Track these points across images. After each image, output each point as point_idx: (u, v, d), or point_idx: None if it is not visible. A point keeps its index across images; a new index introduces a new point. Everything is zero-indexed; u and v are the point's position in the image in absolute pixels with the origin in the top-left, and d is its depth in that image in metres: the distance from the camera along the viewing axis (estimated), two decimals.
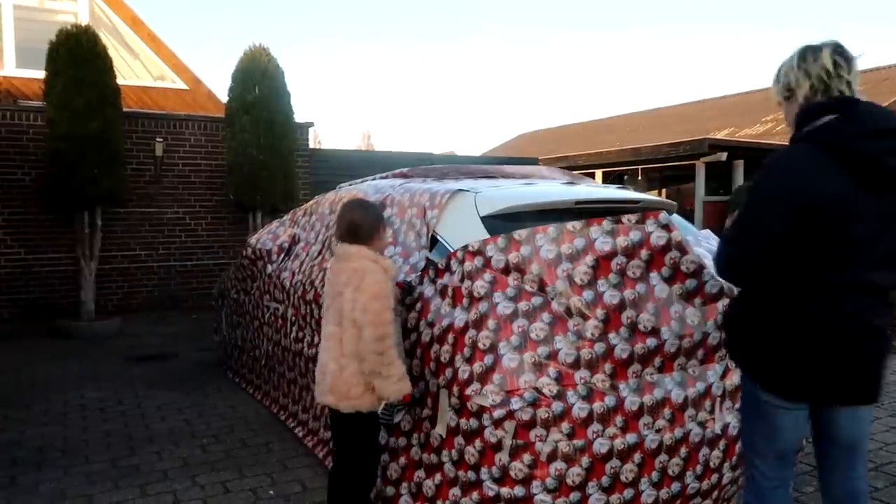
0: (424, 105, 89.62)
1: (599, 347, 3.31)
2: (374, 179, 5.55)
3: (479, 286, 3.45)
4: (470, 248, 3.57)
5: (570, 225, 3.50)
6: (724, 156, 15.07)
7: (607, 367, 3.30)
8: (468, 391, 3.28)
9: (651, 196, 4.70)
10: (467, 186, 4.36)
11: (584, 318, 3.34)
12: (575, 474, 3.18)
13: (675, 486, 3.39)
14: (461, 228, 4.02)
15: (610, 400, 3.24)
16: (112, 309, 10.51)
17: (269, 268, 5.84)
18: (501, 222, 3.96)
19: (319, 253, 5.19)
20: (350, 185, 5.78)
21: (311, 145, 13.30)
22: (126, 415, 5.83)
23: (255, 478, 4.51)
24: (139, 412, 5.89)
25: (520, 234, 3.52)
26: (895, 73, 20.24)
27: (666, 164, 15.63)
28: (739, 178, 16.16)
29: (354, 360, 3.29)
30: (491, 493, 3.28)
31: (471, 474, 3.33)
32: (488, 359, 3.28)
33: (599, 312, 3.35)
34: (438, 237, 4.08)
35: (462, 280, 3.52)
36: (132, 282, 10.81)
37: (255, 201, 10.53)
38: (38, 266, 10.09)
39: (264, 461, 4.79)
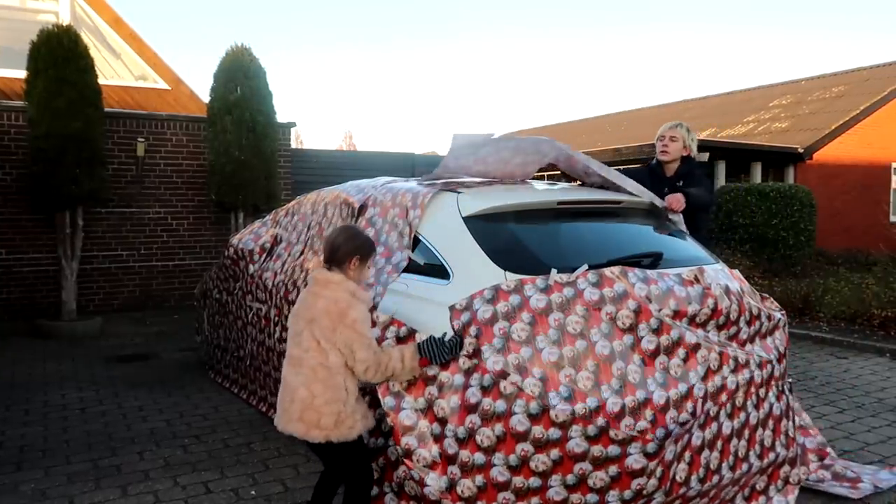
0: (407, 105, 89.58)
1: (581, 345, 3.35)
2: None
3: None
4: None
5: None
6: (706, 156, 15.19)
7: (590, 363, 3.33)
8: None
9: (631, 196, 4.70)
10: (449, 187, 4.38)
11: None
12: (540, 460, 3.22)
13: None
14: (444, 229, 4.04)
15: (592, 401, 3.26)
16: (93, 309, 10.45)
17: (252, 268, 5.84)
18: (484, 223, 3.98)
19: (301, 253, 5.19)
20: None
21: (294, 145, 13.27)
22: (107, 415, 5.81)
23: (237, 478, 4.51)
24: (120, 412, 5.87)
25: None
26: (877, 73, 20.43)
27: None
28: (721, 178, 16.28)
29: (329, 389, 3.21)
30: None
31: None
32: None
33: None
34: (421, 237, 4.10)
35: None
36: (114, 282, 10.76)
37: (236, 201, 10.52)
38: (18, 266, 10.02)
39: (246, 461, 4.79)
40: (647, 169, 5.61)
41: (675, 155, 5.46)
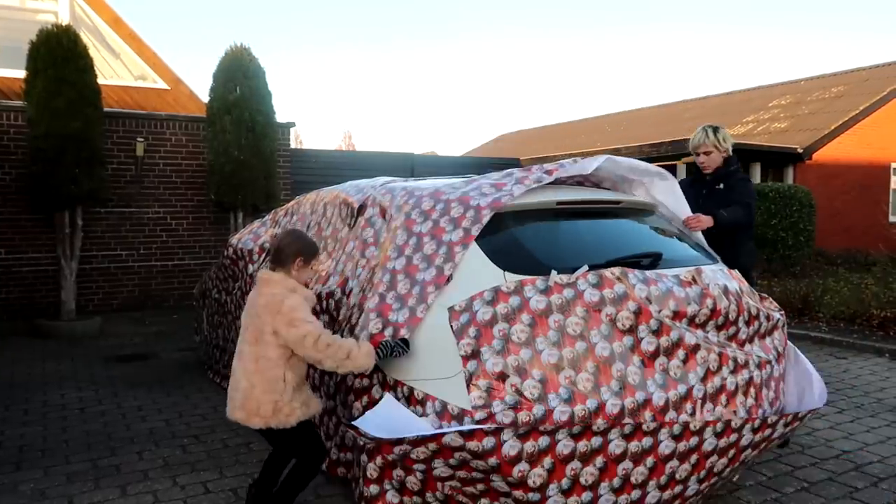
0: (406, 105, 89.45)
1: (581, 346, 3.34)
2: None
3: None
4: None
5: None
6: None
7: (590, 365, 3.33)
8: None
9: (631, 196, 4.70)
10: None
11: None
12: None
13: (678, 487, 3.42)
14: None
15: (591, 403, 3.26)
16: (92, 309, 10.46)
17: (251, 268, 5.84)
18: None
19: None
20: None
21: (293, 145, 13.28)
22: (106, 415, 5.81)
23: (236, 478, 4.51)
24: (119, 412, 5.87)
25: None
26: (876, 74, 20.43)
27: None
28: None
29: (266, 380, 3.44)
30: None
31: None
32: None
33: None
34: None
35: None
36: (113, 282, 10.76)
37: (236, 201, 10.53)
38: (18, 266, 10.02)
39: (245, 461, 4.79)
40: (690, 176, 5.47)
41: (715, 163, 5.27)
